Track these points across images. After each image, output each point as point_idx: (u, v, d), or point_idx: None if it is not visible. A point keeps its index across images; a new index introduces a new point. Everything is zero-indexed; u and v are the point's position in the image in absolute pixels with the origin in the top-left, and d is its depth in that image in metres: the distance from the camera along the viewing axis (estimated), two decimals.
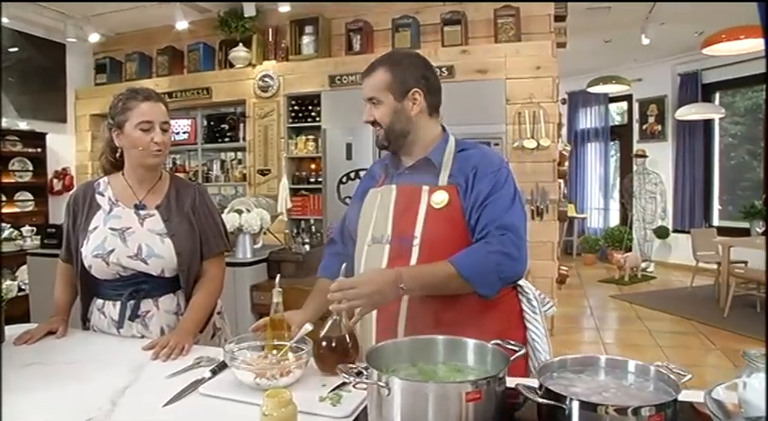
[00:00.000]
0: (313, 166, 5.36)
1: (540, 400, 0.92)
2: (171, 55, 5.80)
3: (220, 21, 5.41)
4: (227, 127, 5.67)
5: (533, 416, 0.96)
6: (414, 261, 1.37)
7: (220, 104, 5.67)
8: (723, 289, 5.49)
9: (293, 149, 5.36)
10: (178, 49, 5.85)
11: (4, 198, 5.28)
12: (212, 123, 5.76)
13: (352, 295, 1.22)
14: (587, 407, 0.88)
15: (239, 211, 3.26)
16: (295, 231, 4.99)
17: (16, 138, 5.35)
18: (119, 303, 1.66)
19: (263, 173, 5.40)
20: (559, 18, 4.90)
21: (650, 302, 6.01)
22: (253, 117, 5.39)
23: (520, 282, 1.49)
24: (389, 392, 0.87)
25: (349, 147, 4.94)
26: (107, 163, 1.78)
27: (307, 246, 3.48)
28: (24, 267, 4.60)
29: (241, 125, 5.57)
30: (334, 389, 1.16)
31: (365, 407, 1.09)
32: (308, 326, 1.28)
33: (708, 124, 7.62)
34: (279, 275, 1.40)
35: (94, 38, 5.68)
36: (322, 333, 1.26)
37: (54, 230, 4.08)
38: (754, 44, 4.62)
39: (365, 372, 0.95)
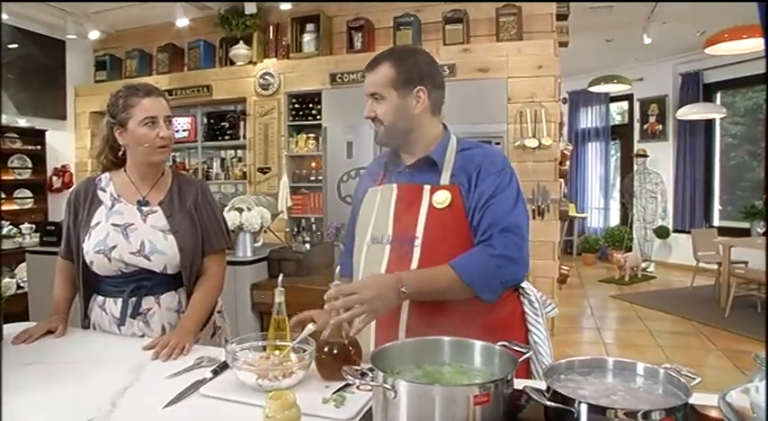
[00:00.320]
0: (313, 165, 5.35)
1: (549, 403, 0.90)
2: (171, 52, 5.78)
3: (221, 18, 5.39)
4: (227, 125, 5.65)
5: (540, 418, 0.94)
6: (415, 261, 1.35)
7: (221, 102, 5.65)
8: (724, 289, 5.48)
9: (294, 147, 5.34)
10: (178, 46, 5.83)
11: (3, 195, 5.26)
12: (212, 121, 5.74)
13: (354, 301, 1.19)
14: (596, 410, 0.87)
15: (240, 210, 3.24)
16: (295, 230, 4.98)
17: (16, 136, 5.33)
18: (120, 300, 1.64)
19: (263, 171, 5.38)
20: (561, 17, 4.88)
21: (650, 302, 6.00)
22: (253, 115, 5.37)
23: (522, 284, 1.47)
24: (396, 395, 0.85)
25: (350, 145, 4.93)
26: (107, 161, 1.76)
27: (307, 245, 3.46)
28: (23, 265, 4.59)
29: (241, 123, 5.55)
30: (337, 391, 1.14)
31: (369, 409, 1.08)
32: (311, 327, 1.26)
33: (709, 124, 7.61)
34: (281, 275, 1.38)
35: (94, 35, 5.66)
36: (323, 337, 1.24)
37: (53, 228, 4.07)
38: (756, 44, 4.60)
39: (370, 374, 0.93)
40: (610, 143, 9.14)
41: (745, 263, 5.71)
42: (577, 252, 8.95)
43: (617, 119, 9.23)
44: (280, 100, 5.26)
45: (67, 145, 6.03)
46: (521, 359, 0.98)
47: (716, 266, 5.88)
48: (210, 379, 1.25)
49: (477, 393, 0.84)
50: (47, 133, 5.56)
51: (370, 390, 1.13)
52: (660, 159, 8.03)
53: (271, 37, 5.41)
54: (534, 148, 4.47)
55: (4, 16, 5.03)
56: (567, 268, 4.94)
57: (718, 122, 7.59)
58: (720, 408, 0.86)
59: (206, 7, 5.49)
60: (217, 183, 5.75)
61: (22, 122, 5.40)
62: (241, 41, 5.37)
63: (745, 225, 6.45)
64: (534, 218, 4.39)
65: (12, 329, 1.65)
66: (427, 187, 1.40)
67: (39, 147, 5.51)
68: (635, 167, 8.28)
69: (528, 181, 4.41)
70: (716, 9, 5.24)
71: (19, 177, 5.40)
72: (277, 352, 1.26)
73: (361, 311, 1.19)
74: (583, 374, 1.04)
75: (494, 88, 4.59)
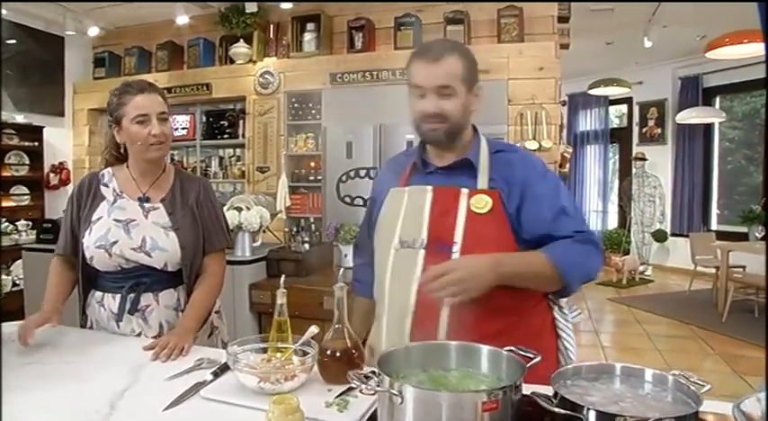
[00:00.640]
0: (312, 164, 5.32)
1: (557, 410, 0.89)
2: (171, 50, 5.75)
3: (221, 16, 5.36)
4: (226, 123, 5.62)
5: None
6: None
7: (220, 100, 5.62)
8: (721, 293, 5.48)
9: (293, 147, 5.32)
10: (178, 44, 5.80)
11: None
12: (211, 119, 5.71)
13: (447, 282, 1.14)
14: (605, 417, 0.85)
15: (239, 209, 3.22)
16: (294, 230, 4.96)
17: (13, 132, 5.29)
18: (118, 296, 1.63)
19: (261, 170, 5.36)
20: (563, 19, 4.88)
21: (648, 306, 6.00)
22: (252, 114, 5.35)
23: None
24: (402, 400, 0.83)
25: (349, 145, 4.91)
26: (110, 157, 1.76)
27: (306, 245, 3.44)
28: (19, 262, 4.56)
29: (240, 122, 5.52)
30: (340, 395, 1.12)
31: (373, 413, 1.06)
32: (314, 329, 1.24)
33: (708, 128, 7.62)
34: (283, 276, 1.36)
35: (94, 31, 5.63)
36: (325, 339, 1.22)
37: (50, 225, 4.04)
38: (758, 48, 4.60)
39: (375, 378, 0.92)
40: (608, 146, 9.15)
41: (743, 267, 5.72)
42: None
43: (616, 122, 9.24)
44: (279, 99, 5.24)
45: (65, 142, 5.99)
46: (529, 364, 0.96)
47: (714, 270, 5.89)
48: (211, 381, 1.23)
49: (486, 399, 0.82)
50: (44, 130, 5.52)
51: (373, 394, 1.12)
52: (659, 163, 8.04)
53: (271, 36, 5.39)
54: (534, 151, 4.45)
55: (3, 11, 5.00)
56: None
57: (717, 127, 7.60)
58: (734, 417, 0.84)
59: (207, 6, 5.47)
60: (215, 181, 5.72)
61: (20, 118, 5.36)
62: (241, 40, 5.34)
63: (743, 229, 6.46)
64: None
65: (8, 328, 1.62)
66: (465, 190, 1.34)
67: (36, 143, 5.47)
68: (633, 171, 8.28)
69: None
70: (716, 13, 5.24)
71: (16, 174, 5.36)
72: (279, 354, 1.24)
73: (455, 292, 1.15)
74: (590, 380, 1.02)
75: (494, 90, 4.58)
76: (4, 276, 4.69)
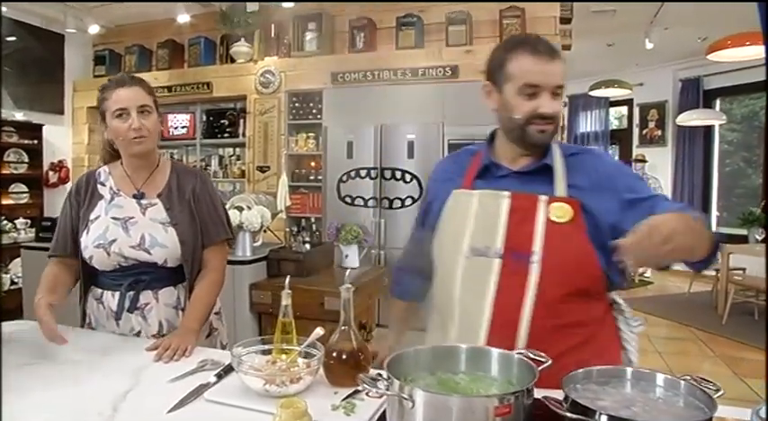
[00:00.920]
0: (313, 164, 5.31)
1: (569, 415, 0.87)
2: (171, 48, 5.74)
3: (222, 15, 5.35)
4: (226, 122, 5.61)
5: None
6: (533, 280, 1.22)
7: (220, 99, 5.61)
8: (721, 296, 5.47)
9: (293, 146, 5.31)
10: (179, 42, 5.79)
11: None
12: (212, 118, 5.70)
13: (661, 238, 0.98)
14: None
15: (240, 208, 3.20)
16: (295, 230, 4.94)
17: (12, 129, 5.27)
18: (118, 293, 1.61)
19: (262, 169, 5.34)
20: (564, 20, 4.87)
21: (648, 308, 5.98)
22: (253, 113, 5.34)
23: (617, 299, 1.36)
24: (413, 405, 0.82)
25: (350, 145, 4.90)
26: (106, 154, 1.74)
27: (307, 245, 3.42)
28: (17, 260, 4.54)
29: (241, 121, 5.52)
30: (346, 398, 1.11)
31: (380, 417, 1.05)
32: (319, 330, 1.23)
33: (708, 130, 7.62)
34: (288, 277, 1.34)
35: (94, 29, 5.61)
36: (331, 341, 1.20)
37: (49, 223, 4.01)
38: (759, 51, 4.59)
39: (385, 381, 0.90)
40: (609, 148, 9.14)
41: (743, 269, 5.71)
42: None
43: (616, 123, 9.23)
44: (280, 98, 5.23)
45: (64, 140, 5.97)
46: (540, 368, 0.94)
47: (713, 273, 5.88)
48: (214, 383, 1.22)
49: (498, 404, 0.81)
50: (44, 128, 5.50)
51: (379, 397, 1.10)
52: (659, 164, 8.03)
53: (272, 35, 5.38)
54: None
55: (3, 8, 4.98)
56: None
57: (717, 129, 7.61)
58: None
59: (208, 4, 5.46)
60: (215, 180, 5.71)
61: (19, 116, 5.34)
62: (242, 39, 5.33)
63: (743, 231, 6.45)
64: None
65: (7, 328, 1.61)
66: (543, 198, 1.25)
67: (35, 141, 5.45)
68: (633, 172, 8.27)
69: None
70: (718, 15, 5.24)
71: (15, 171, 5.34)
72: (284, 356, 1.23)
73: (668, 250, 1.01)
74: (600, 384, 1.01)
75: None
76: (2, 274, 4.67)
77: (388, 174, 4.79)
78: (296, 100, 5.26)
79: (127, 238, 1.59)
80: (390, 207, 4.79)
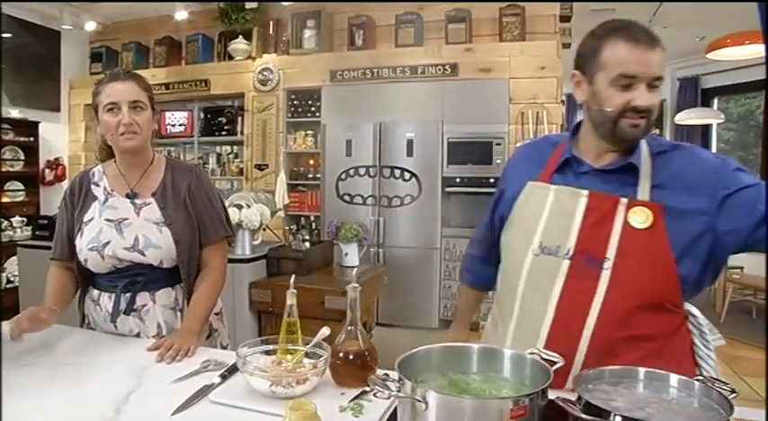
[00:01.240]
0: (311, 162, 5.29)
1: (583, 416, 0.86)
2: (169, 45, 5.71)
3: (220, 12, 5.32)
4: (224, 120, 5.58)
5: None
6: (603, 287, 1.15)
7: (218, 97, 5.58)
8: (720, 294, 5.48)
9: (292, 144, 5.28)
10: (176, 39, 5.76)
11: None
12: (209, 116, 5.67)
13: None
14: None
15: (239, 206, 3.18)
16: (294, 228, 4.92)
17: (8, 127, 5.23)
18: (114, 295, 1.57)
19: (260, 167, 5.32)
20: (564, 18, 4.86)
21: None
22: (251, 111, 5.31)
23: (693, 311, 1.27)
24: (427, 407, 0.80)
25: (349, 143, 4.88)
26: (102, 151, 1.70)
27: (307, 244, 3.40)
28: (13, 259, 4.50)
29: (239, 119, 5.49)
30: (354, 399, 1.09)
31: (389, 418, 1.03)
32: (326, 330, 1.21)
33: (705, 129, 7.63)
34: (293, 276, 1.32)
35: (91, 26, 5.58)
36: (337, 341, 1.18)
37: (46, 222, 3.98)
38: (759, 50, 4.59)
39: (396, 382, 0.88)
40: None
41: (741, 268, 5.72)
42: None
43: None
44: (278, 96, 5.20)
45: (61, 137, 5.93)
46: (554, 367, 0.93)
47: None
48: (219, 384, 1.19)
49: (514, 406, 0.79)
50: (40, 125, 5.46)
51: (387, 398, 1.09)
52: None
53: (271, 32, 5.35)
54: None
55: (3, 7, 4.93)
56: None
57: (714, 128, 7.62)
58: None
59: (206, 2, 5.42)
60: (213, 178, 5.68)
61: (15, 113, 5.29)
62: (240, 36, 5.30)
63: None
64: None
65: (6, 327, 1.58)
66: (624, 201, 1.16)
67: (31, 138, 5.41)
68: None
69: None
70: (717, 14, 5.23)
71: (11, 169, 5.29)
72: (289, 356, 1.21)
73: None
74: (612, 384, 0.99)
75: (496, 88, 4.56)
76: None
77: (387, 172, 4.77)
78: (294, 97, 5.24)
79: (121, 240, 1.56)
80: (389, 205, 4.78)
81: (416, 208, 4.72)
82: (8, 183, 5.32)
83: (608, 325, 1.14)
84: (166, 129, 5.63)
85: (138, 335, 1.59)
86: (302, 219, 5.19)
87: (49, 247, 1.71)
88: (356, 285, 1.17)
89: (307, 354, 1.20)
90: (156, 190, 1.63)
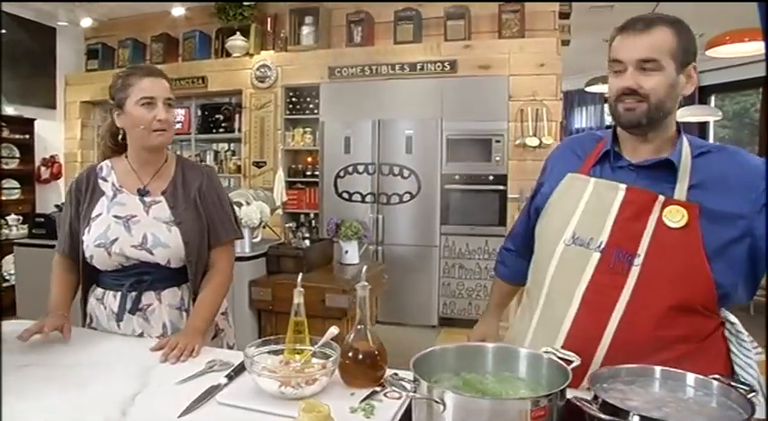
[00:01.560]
0: (310, 159, 5.27)
1: (601, 416, 0.84)
2: (166, 42, 5.66)
3: (218, 8, 5.28)
4: (221, 117, 5.55)
5: None
6: (632, 282, 1.14)
7: (215, 94, 5.54)
8: None
9: (290, 141, 5.25)
10: (173, 36, 5.71)
11: None
12: (207, 113, 5.63)
13: None
14: None
15: (238, 204, 3.15)
16: (294, 225, 4.89)
17: (3, 124, 5.17)
18: (119, 294, 1.55)
19: (258, 165, 5.29)
20: (564, 15, 4.85)
21: None
22: (249, 108, 5.28)
23: (731, 318, 1.23)
24: (444, 408, 0.78)
25: (347, 140, 4.86)
26: (107, 149, 1.67)
27: (307, 242, 3.37)
28: (9, 257, 4.46)
29: (236, 116, 5.45)
30: (365, 399, 1.07)
31: (401, 418, 1.02)
32: (334, 330, 1.19)
33: (702, 127, 7.64)
34: (300, 274, 1.30)
35: (87, 22, 5.52)
36: (346, 341, 1.17)
37: (42, 220, 3.94)
38: (758, 47, 4.58)
39: (411, 383, 0.87)
40: None
41: None
42: None
43: (609, 119, 9.24)
44: (276, 93, 5.17)
45: (56, 135, 5.88)
46: (571, 366, 0.91)
47: None
48: (225, 385, 1.17)
49: (533, 407, 0.78)
50: (35, 122, 5.41)
51: (398, 398, 1.07)
52: None
53: (268, 29, 5.31)
54: (535, 147, 4.43)
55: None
56: None
57: (711, 125, 7.63)
58: None
59: None
60: None
61: (10, 110, 5.24)
62: (238, 32, 5.26)
63: None
64: None
65: (6, 327, 1.55)
66: (661, 198, 1.15)
67: (27, 136, 5.36)
68: None
69: (527, 180, 4.36)
70: (716, 12, 5.23)
71: (6, 167, 5.24)
72: (297, 356, 1.19)
73: None
74: (627, 383, 0.98)
75: (495, 85, 4.55)
76: None
77: (385, 169, 4.75)
78: (292, 94, 5.21)
79: (129, 238, 1.54)
80: (388, 202, 4.76)
81: (415, 205, 4.70)
82: (3, 181, 5.25)
83: (633, 322, 1.12)
84: None
85: (141, 336, 1.57)
86: (301, 216, 5.16)
87: (46, 246, 1.70)
88: (366, 283, 1.16)
89: (314, 354, 1.19)
90: (167, 188, 1.61)
